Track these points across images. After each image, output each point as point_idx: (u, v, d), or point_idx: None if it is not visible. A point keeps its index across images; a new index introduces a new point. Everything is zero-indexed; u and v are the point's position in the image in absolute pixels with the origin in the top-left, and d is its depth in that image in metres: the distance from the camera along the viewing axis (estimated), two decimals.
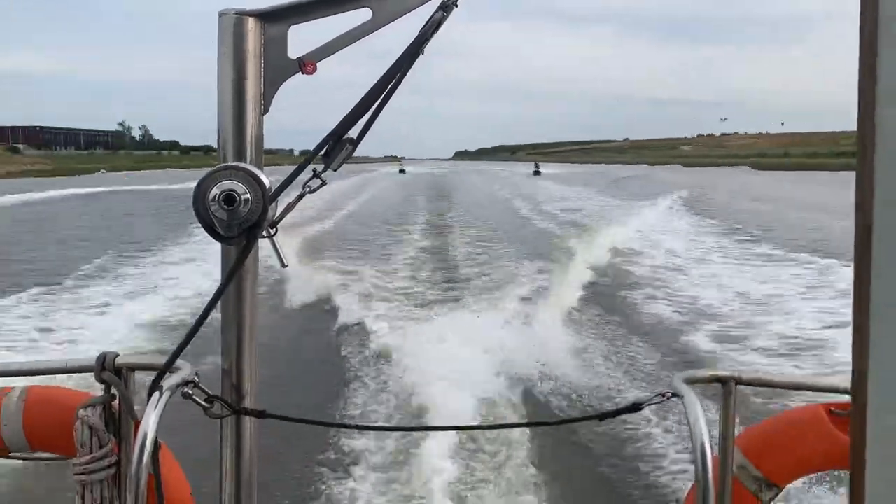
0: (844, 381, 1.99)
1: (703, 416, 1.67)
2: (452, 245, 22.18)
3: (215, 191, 1.43)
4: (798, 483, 2.40)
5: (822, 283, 15.46)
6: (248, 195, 1.44)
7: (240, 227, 1.46)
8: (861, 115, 0.53)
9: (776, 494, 2.22)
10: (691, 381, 1.93)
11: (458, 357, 9.03)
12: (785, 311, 13.06)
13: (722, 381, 2.10)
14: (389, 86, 1.60)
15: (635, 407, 1.87)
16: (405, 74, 1.60)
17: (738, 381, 2.10)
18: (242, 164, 1.52)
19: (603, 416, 1.94)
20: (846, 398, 2.06)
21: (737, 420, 2.12)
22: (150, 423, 1.53)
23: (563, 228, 26.29)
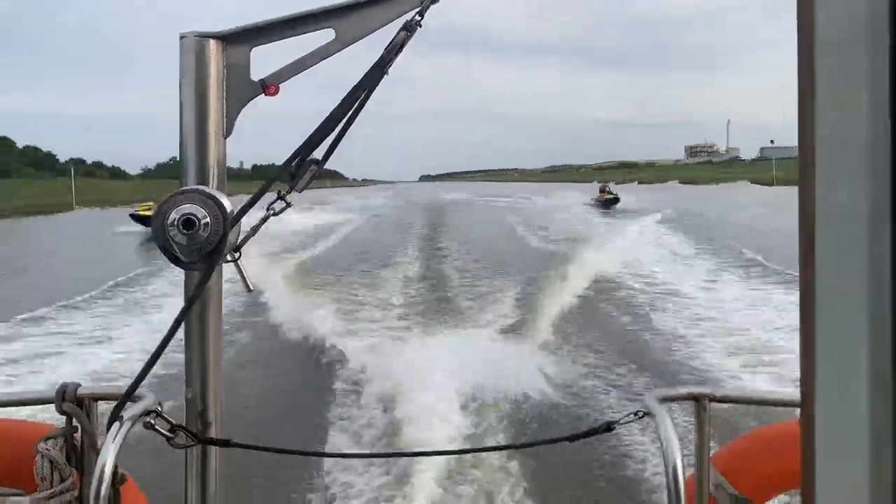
0: None
1: (674, 434, 1.66)
2: None
3: (174, 215, 1.40)
4: (775, 501, 2.38)
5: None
6: (207, 219, 1.41)
7: (200, 251, 1.43)
8: (801, 126, 0.54)
9: None
10: (665, 399, 1.92)
11: (431, 380, 8.95)
12: (761, 325, 13.13)
13: (696, 398, 2.08)
14: (354, 106, 1.58)
15: (607, 427, 1.85)
16: (370, 94, 1.59)
17: (712, 399, 2.08)
18: (202, 188, 1.49)
19: (574, 438, 1.91)
20: None
21: (711, 438, 2.10)
22: (108, 454, 1.48)
23: None
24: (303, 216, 34.58)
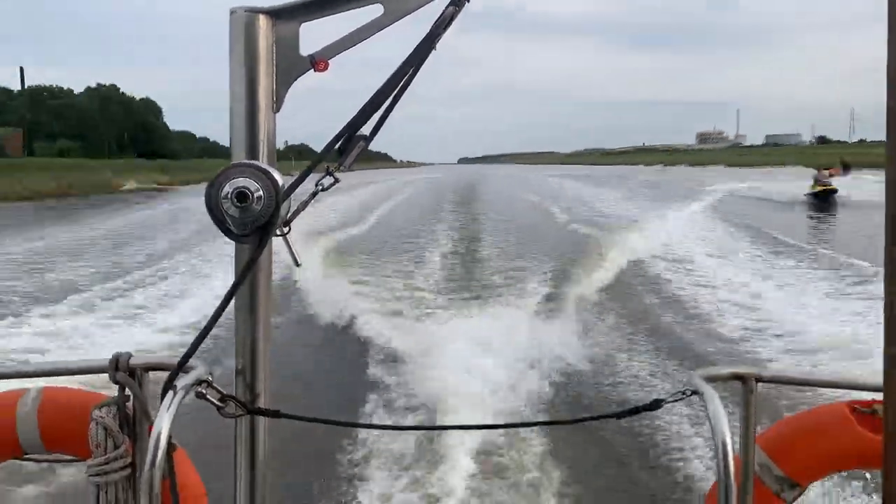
0: (868, 377, 1.95)
1: (723, 413, 1.65)
2: None
3: (228, 188, 1.42)
4: (821, 483, 2.36)
5: (845, 281, 15.26)
6: (260, 193, 1.43)
7: (252, 224, 1.45)
8: (890, 111, 0.52)
9: (799, 494, 2.18)
10: (711, 379, 1.90)
11: (476, 356, 9.00)
12: (809, 308, 12.88)
13: (742, 378, 2.06)
14: (402, 82, 1.58)
15: (655, 405, 1.85)
16: (418, 70, 1.58)
17: (759, 379, 2.06)
18: (255, 162, 1.51)
19: (622, 415, 1.91)
20: (869, 395, 2.02)
21: (757, 418, 2.08)
22: (163, 422, 1.52)
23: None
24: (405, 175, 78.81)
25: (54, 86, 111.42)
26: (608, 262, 17.06)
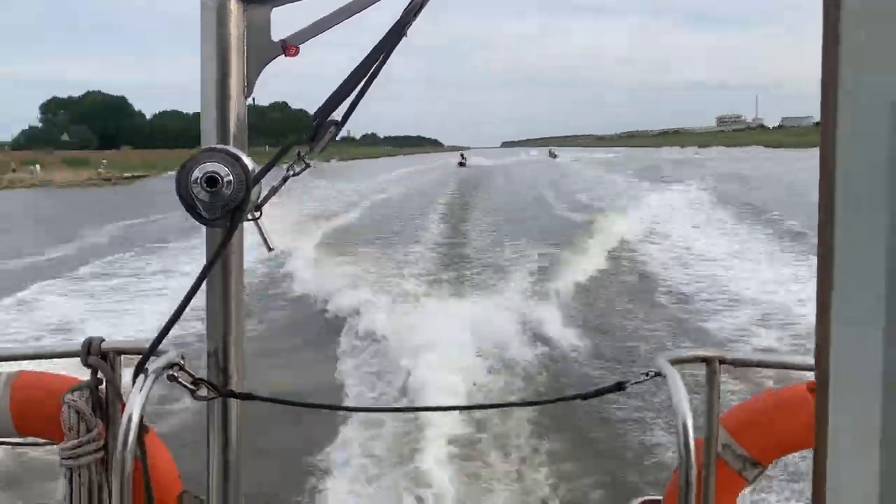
0: None
1: (685, 395, 1.69)
2: None
3: (197, 173, 1.42)
4: (782, 461, 2.42)
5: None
6: (230, 177, 1.43)
7: (223, 209, 1.45)
8: (823, 83, 0.54)
9: (760, 472, 2.24)
10: (676, 361, 1.95)
11: (446, 339, 9.07)
12: (781, 288, 13.09)
13: (706, 360, 2.11)
14: (373, 68, 1.59)
15: (619, 386, 1.88)
16: (388, 56, 1.59)
17: (723, 361, 2.11)
18: (225, 147, 1.51)
19: (586, 396, 1.95)
20: None
21: (721, 400, 2.13)
22: (134, 406, 1.53)
23: None
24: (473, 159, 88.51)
25: None
26: None
